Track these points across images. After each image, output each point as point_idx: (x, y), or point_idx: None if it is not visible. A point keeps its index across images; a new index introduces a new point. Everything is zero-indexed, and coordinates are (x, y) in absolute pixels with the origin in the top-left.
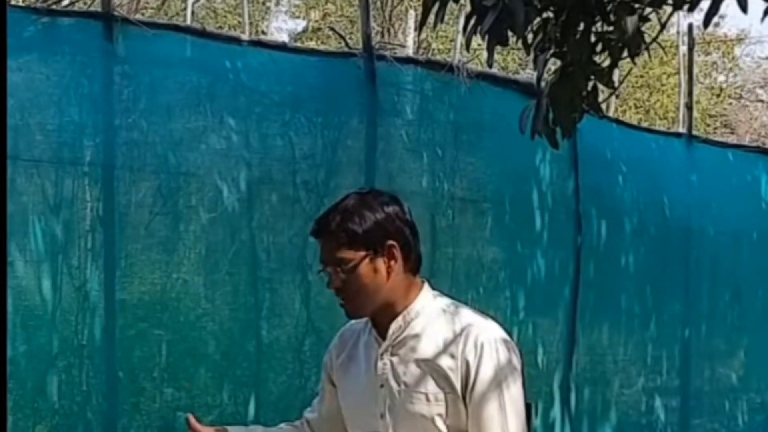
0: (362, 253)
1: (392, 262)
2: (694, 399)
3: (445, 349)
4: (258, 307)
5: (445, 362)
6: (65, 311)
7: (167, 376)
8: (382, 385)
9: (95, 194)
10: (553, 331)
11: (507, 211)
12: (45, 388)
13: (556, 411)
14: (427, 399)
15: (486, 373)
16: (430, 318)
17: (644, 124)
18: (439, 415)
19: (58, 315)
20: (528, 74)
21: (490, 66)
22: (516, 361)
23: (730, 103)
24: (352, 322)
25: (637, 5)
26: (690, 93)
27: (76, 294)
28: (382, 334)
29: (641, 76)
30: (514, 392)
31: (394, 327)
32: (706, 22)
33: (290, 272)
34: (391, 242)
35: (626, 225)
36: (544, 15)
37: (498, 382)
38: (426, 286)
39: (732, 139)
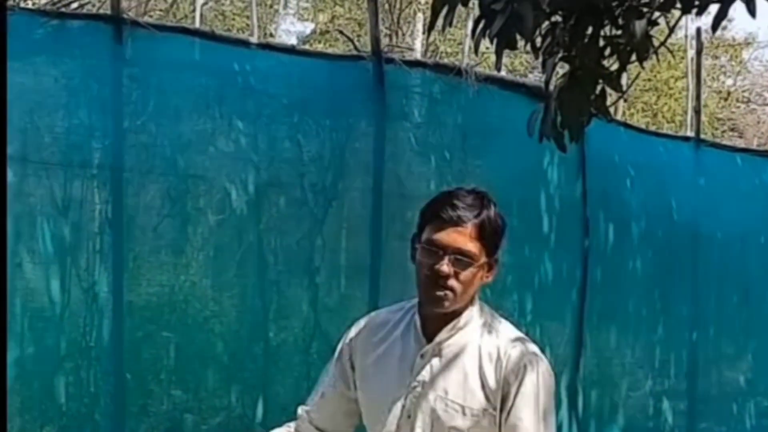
0: (484, 256)
1: (490, 274)
2: (702, 402)
3: (489, 364)
4: (266, 309)
5: (488, 379)
6: (73, 313)
7: (175, 378)
8: (415, 387)
9: (104, 196)
10: (560, 334)
11: (515, 214)
12: (53, 390)
13: (564, 414)
14: (464, 412)
15: (527, 393)
16: (479, 331)
17: (652, 128)
18: (472, 428)
19: (67, 317)
20: (536, 77)
21: (499, 69)
22: (552, 383)
23: (738, 107)
24: (378, 312)
25: (645, 9)
26: (698, 97)
27: (85, 296)
28: (428, 334)
29: (649, 80)
30: (550, 413)
31: (443, 331)
32: (715, 26)
33: (298, 275)
34: (497, 256)
35: (634, 228)
36: (553, 19)
37: (537, 403)
38: (479, 300)
39: (740, 143)
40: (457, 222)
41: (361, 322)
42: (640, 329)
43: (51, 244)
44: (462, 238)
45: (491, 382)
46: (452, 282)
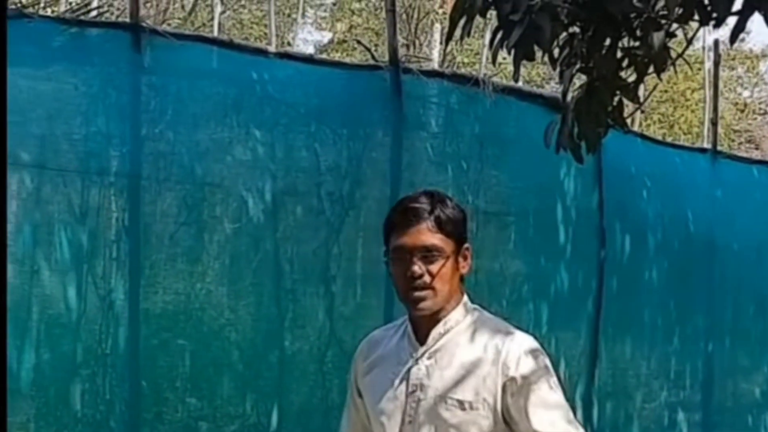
0: (451, 246)
1: (465, 264)
2: (717, 414)
3: (487, 358)
4: (281, 317)
5: (486, 371)
6: (90, 320)
7: (190, 385)
8: (413, 391)
9: (121, 204)
10: (575, 345)
11: (531, 224)
12: (68, 397)
13: None
14: (462, 407)
15: (537, 373)
16: (470, 328)
17: (668, 139)
18: (473, 423)
19: (83, 324)
20: (553, 88)
21: (516, 80)
22: (553, 372)
23: (755, 119)
24: (373, 333)
25: (663, 21)
26: (715, 108)
27: (101, 303)
28: (420, 338)
29: (665, 91)
30: (557, 388)
31: (434, 333)
32: (733, 38)
33: (314, 283)
34: (466, 244)
35: (650, 239)
36: (571, 30)
37: (549, 378)
38: (466, 296)
39: (756, 155)
40: (414, 221)
41: (362, 346)
42: (656, 340)
43: (68, 251)
44: (423, 235)
45: (489, 371)
46: (427, 279)
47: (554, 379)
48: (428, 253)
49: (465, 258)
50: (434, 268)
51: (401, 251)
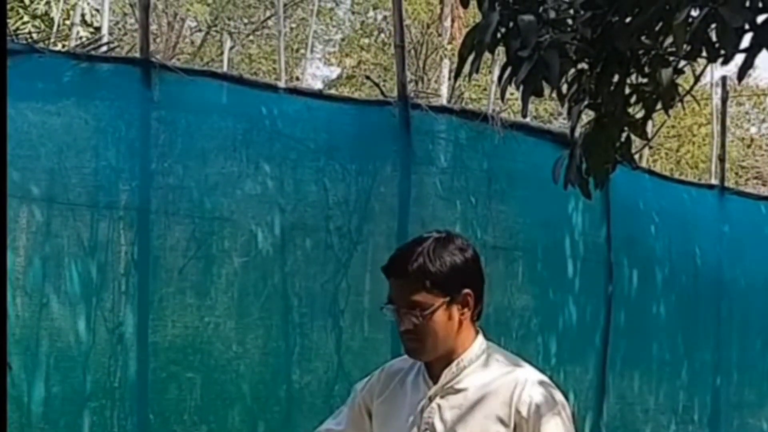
0: (440, 300)
1: (466, 310)
2: None
3: (498, 398)
4: (289, 351)
5: (498, 411)
6: (99, 353)
7: (198, 419)
8: (425, 429)
9: (130, 238)
10: (583, 379)
11: (539, 259)
12: (77, 430)
13: None
14: None
15: (542, 422)
16: (483, 367)
17: (675, 175)
18: None
19: (92, 357)
20: (561, 124)
21: (525, 116)
22: (566, 413)
23: (762, 155)
24: (397, 360)
25: (671, 58)
26: (722, 144)
27: (110, 336)
28: (434, 377)
29: (672, 127)
30: (569, 425)
31: (447, 373)
32: (741, 75)
33: (322, 317)
34: (467, 290)
35: (657, 274)
36: (579, 66)
37: (563, 422)
38: (481, 335)
39: (764, 191)
40: (397, 275)
41: (376, 373)
42: (663, 374)
43: (77, 285)
44: (405, 291)
45: (501, 414)
46: (416, 334)
47: (567, 414)
48: (411, 310)
49: (466, 304)
50: (421, 323)
51: (390, 302)
